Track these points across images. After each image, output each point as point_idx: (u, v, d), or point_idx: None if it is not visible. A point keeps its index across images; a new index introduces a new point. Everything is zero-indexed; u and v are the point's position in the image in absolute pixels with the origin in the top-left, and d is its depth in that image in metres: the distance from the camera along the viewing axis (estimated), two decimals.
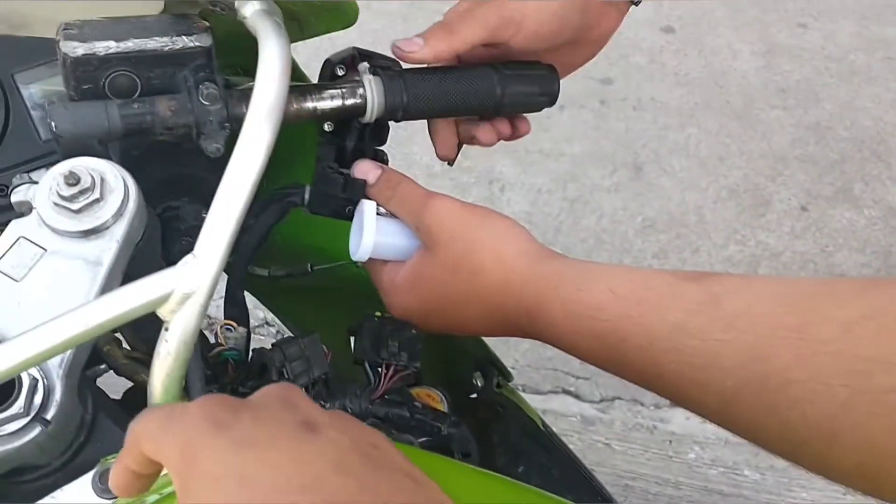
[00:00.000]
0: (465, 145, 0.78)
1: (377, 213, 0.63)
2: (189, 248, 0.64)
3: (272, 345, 0.69)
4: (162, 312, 0.46)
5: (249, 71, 0.69)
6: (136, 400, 0.64)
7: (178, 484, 0.34)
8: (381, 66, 0.64)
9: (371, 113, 0.63)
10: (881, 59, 2.38)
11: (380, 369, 0.70)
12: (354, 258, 0.64)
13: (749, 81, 2.31)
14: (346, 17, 0.57)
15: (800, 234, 1.95)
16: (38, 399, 0.49)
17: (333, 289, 0.84)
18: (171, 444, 0.35)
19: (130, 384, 0.66)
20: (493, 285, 0.58)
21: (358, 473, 0.33)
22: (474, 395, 0.82)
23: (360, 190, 0.67)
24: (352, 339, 0.94)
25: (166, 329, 0.46)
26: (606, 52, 2.28)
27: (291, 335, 0.71)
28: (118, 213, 0.54)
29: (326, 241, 0.75)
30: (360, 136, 0.67)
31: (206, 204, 0.66)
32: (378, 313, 0.74)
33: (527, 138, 2.30)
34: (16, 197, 0.56)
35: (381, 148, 0.70)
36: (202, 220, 0.66)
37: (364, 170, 0.64)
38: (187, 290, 0.46)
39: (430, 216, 0.60)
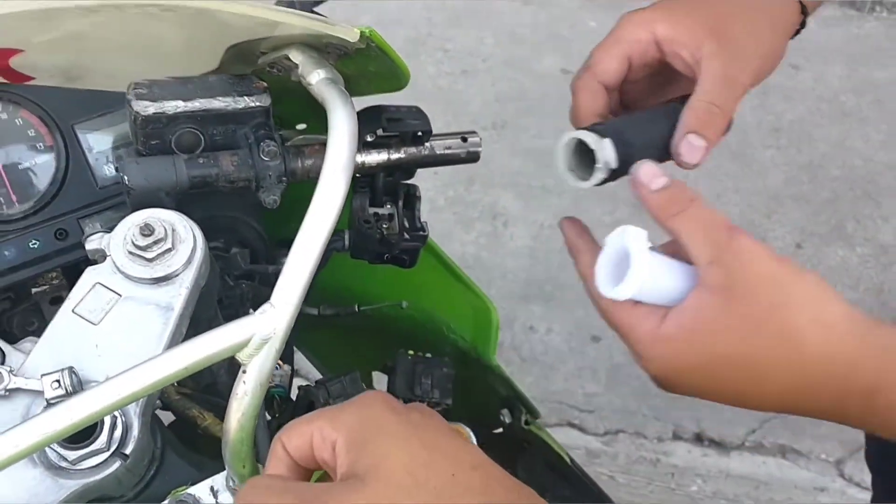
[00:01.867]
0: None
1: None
2: (247, 292, 0.69)
3: (316, 382, 0.73)
4: (241, 356, 0.50)
5: (290, 120, 0.74)
6: (184, 433, 0.68)
7: (354, 444, 0.42)
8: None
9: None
10: (871, 101, 2.45)
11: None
12: (608, 296, 0.52)
13: (744, 121, 2.38)
14: (398, 82, 0.62)
15: None
16: (117, 435, 0.53)
17: (367, 328, 0.88)
18: (350, 414, 0.43)
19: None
20: (813, 355, 0.47)
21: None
22: (499, 430, 0.86)
23: (396, 245, 0.70)
24: (373, 373, 0.98)
25: (244, 371, 0.50)
26: None
27: (332, 375, 0.75)
28: (188, 262, 0.58)
29: (368, 283, 0.79)
30: (389, 171, 0.71)
31: (243, 244, 0.71)
32: (411, 352, 0.79)
33: (528, 173, 2.37)
34: (90, 245, 0.60)
35: (410, 182, 0.74)
36: (250, 265, 0.71)
37: (648, 173, 0.53)
38: (265, 336, 0.50)
39: (734, 253, 0.49)
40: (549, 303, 1.96)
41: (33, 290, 0.72)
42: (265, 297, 0.55)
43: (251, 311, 0.55)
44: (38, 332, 0.71)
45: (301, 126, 0.76)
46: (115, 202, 0.71)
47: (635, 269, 0.50)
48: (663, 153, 0.62)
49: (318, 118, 0.62)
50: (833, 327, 0.48)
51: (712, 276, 0.49)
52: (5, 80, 0.69)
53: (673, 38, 0.61)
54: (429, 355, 0.78)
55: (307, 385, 0.71)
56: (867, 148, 2.33)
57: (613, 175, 0.59)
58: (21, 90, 0.70)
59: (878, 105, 2.45)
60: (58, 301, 0.72)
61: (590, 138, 0.58)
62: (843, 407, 0.48)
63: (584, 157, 0.60)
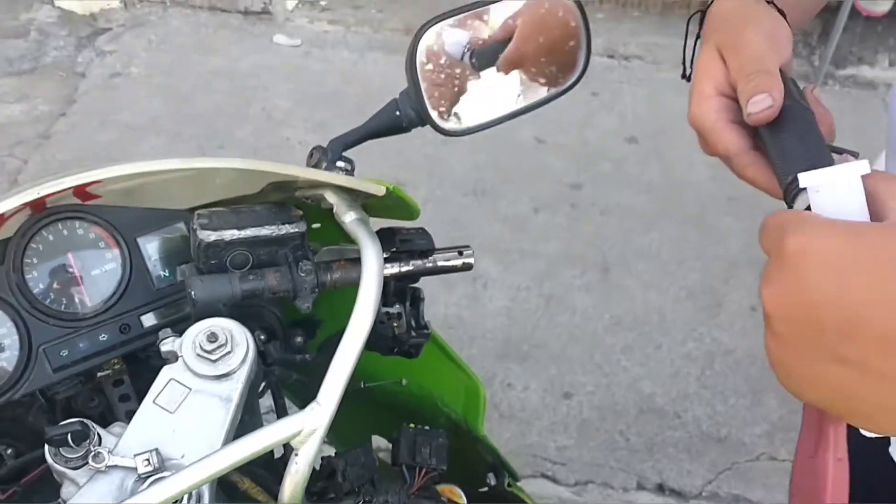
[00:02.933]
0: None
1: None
2: (285, 378, 0.83)
3: (336, 454, 0.88)
4: (294, 443, 0.65)
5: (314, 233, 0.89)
6: (228, 495, 0.82)
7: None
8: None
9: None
10: None
11: (415, 470, 0.89)
12: (805, 182, 0.51)
13: (703, 190, 2.58)
14: (411, 216, 0.78)
15: (750, 332, 2.18)
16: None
17: (371, 401, 1.03)
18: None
19: None
20: None
21: None
22: (485, 490, 1.01)
23: (405, 341, 0.86)
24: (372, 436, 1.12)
25: (296, 454, 0.65)
26: (575, 160, 2.58)
27: (349, 447, 0.89)
28: (243, 361, 0.73)
29: (373, 362, 0.93)
30: (399, 279, 0.86)
31: (265, 327, 0.85)
32: (412, 425, 0.94)
33: (506, 238, 2.57)
34: (164, 347, 0.74)
35: (415, 286, 0.89)
36: (282, 355, 0.86)
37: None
38: (312, 428, 0.65)
39: None
40: (526, 361, 2.12)
41: (98, 374, 0.86)
42: (289, 377, 0.69)
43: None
44: (97, 409, 0.86)
45: (316, 225, 0.90)
46: (169, 300, 0.85)
47: (852, 166, 0.50)
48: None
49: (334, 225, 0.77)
50: None
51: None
52: (78, 201, 0.84)
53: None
54: (427, 427, 0.93)
55: (329, 456, 0.86)
56: None
57: None
58: (93, 209, 0.84)
59: None
60: (119, 384, 0.86)
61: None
62: None
63: None
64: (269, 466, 0.87)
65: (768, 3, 0.68)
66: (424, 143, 2.71)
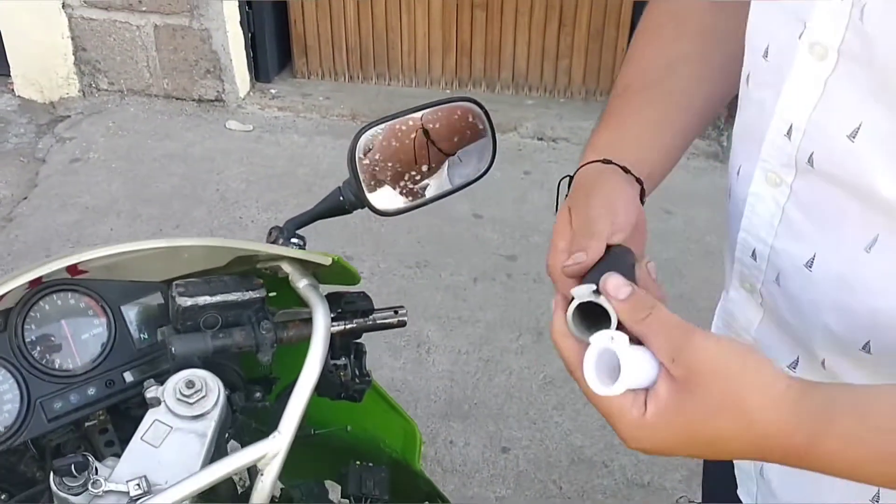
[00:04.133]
0: None
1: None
2: (246, 426, 0.99)
3: (292, 486, 1.03)
4: (259, 465, 0.81)
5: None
6: None
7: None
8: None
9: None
10: None
11: (361, 501, 1.05)
12: (603, 394, 0.60)
13: None
14: (353, 281, 0.95)
15: None
16: None
17: (318, 444, 1.17)
18: None
19: None
20: (759, 422, 0.56)
21: None
22: None
23: (350, 387, 1.02)
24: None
25: (261, 475, 0.81)
26: (510, 233, 2.80)
27: (301, 481, 1.04)
28: (215, 404, 0.88)
29: (321, 409, 1.07)
30: (343, 335, 1.02)
31: (227, 383, 1.00)
32: (359, 462, 1.09)
33: (448, 306, 2.75)
34: (149, 394, 0.87)
35: (358, 341, 1.05)
36: (244, 403, 1.01)
37: (615, 285, 0.62)
38: (275, 451, 0.80)
39: (692, 352, 0.58)
40: (467, 420, 2.27)
41: (86, 424, 0.99)
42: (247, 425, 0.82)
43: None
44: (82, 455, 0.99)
45: (272, 293, 1.06)
46: (147, 359, 0.96)
47: (626, 372, 0.58)
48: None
49: (288, 292, 0.92)
50: (772, 396, 0.56)
51: (675, 370, 0.58)
52: (69, 275, 0.98)
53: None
54: (371, 464, 1.08)
55: (283, 487, 1.01)
56: None
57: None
58: (83, 283, 0.97)
59: None
60: (104, 431, 0.98)
61: (594, 298, 0.63)
62: (788, 459, 0.57)
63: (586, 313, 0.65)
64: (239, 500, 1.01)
65: (623, 169, 0.79)
66: (368, 217, 2.88)
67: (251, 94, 3.75)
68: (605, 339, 0.59)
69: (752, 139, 0.76)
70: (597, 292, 0.63)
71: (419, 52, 3.76)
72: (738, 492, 0.94)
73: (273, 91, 3.77)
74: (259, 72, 3.79)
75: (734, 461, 0.93)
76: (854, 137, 0.64)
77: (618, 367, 0.58)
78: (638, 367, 0.59)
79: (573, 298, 0.64)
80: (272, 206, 3.07)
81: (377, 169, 0.98)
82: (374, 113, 3.59)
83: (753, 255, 0.79)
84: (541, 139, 3.36)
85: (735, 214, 0.81)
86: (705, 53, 0.89)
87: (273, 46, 3.78)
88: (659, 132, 0.87)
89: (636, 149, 0.83)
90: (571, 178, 0.82)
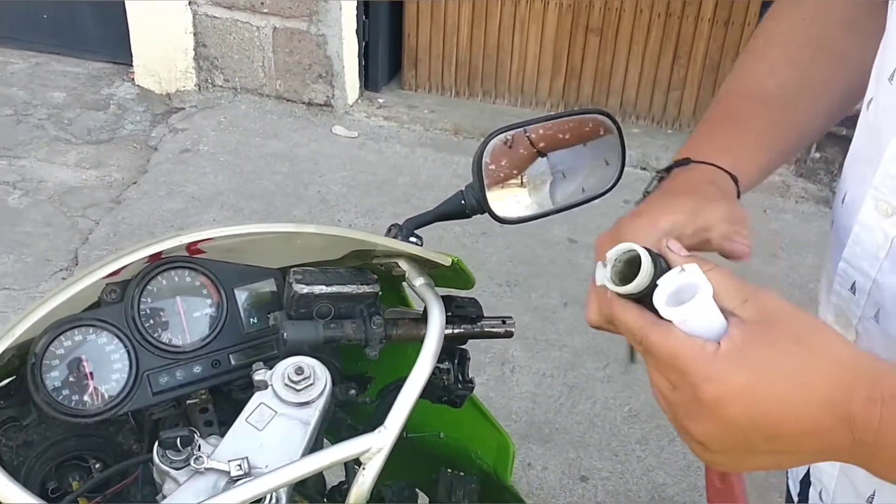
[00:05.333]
0: None
1: None
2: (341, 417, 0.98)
3: (384, 484, 1.02)
4: (362, 458, 0.80)
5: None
6: None
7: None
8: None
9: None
10: None
11: None
12: (668, 315, 0.57)
13: None
14: (467, 285, 0.94)
15: None
16: None
17: (410, 449, 1.16)
18: None
19: None
20: (843, 362, 0.54)
21: None
22: None
23: (452, 391, 1.00)
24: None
25: (363, 469, 0.80)
26: None
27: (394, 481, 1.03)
28: (321, 393, 0.88)
29: (420, 416, 1.07)
30: (450, 339, 1.00)
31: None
32: (450, 469, 1.07)
33: (535, 327, 2.72)
34: (257, 377, 0.88)
35: (463, 346, 1.04)
36: (347, 396, 1.00)
37: (678, 245, 0.63)
38: (379, 446, 0.80)
39: (764, 296, 0.57)
40: (546, 444, 2.24)
41: (187, 402, 1.00)
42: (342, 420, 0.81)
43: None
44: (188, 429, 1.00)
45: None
46: (253, 343, 0.97)
47: (704, 288, 0.56)
48: None
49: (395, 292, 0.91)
50: (854, 349, 0.55)
51: (747, 311, 0.56)
52: (187, 254, 1.00)
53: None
54: (461, 473, 1.07)
55: (379, 486, 1.00)
56: None
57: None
58: (200, 262, 0.98)
59: None
60: (205, 411, 0.99)
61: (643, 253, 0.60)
62: (869, 413, 0.53)
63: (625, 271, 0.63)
64: (326, 496, 1.01)
65: (719, 168, 0.79)
66: (463, 234, 2.89)
67: (359, 101, 3.81)
68: (675, 274, 0.57)
69: (865, 165, 0.73)
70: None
71: (528, 72, 3.76)
72: None
73: (380, 100, 3.82)
74: (368, 80, 3.85)
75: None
76: None
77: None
78: (709, 306, 0.56)
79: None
80: (370, 212, 3.10)
81: (502, 175, 0.97)
82: (476, 129, 3.60)
83: (853, 287, 0.75)
84: (644, 168, 3.32)
85: (836, 244, 0.78)
86: (824, 74, 0.86)
87: (385, 57, 3.84)
88: (769, 143, 0.85)
89: (743, 155, 0.82)
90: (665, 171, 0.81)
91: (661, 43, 3.52)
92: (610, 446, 2.23)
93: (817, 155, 3.29)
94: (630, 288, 0.59)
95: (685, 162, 0.82)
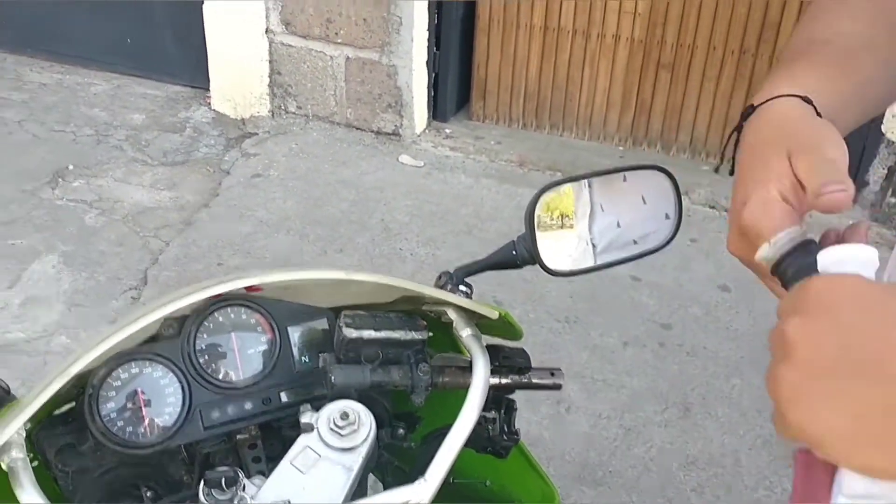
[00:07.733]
0: None
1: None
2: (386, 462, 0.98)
3: None
4: None
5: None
6: None
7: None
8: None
9: None
10: None
11: None
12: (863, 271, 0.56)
13: None
14: (514, 335, 0.94)
15: None
16: None
17: (455, 495, 1.16)
18: None
19: None
20: None
21: None
22: None
23: (497, 442, 1.00)
24: None
25: None
26: (668, 300, 2.70)
27: None
28: (365, 439, 0.89)
29: (466, 462, 1.07)
30: (497, 389, 1.00)
31: (376, 415, 1.00)
32: None
33: (593, 367, 2.69)
34: (304, 419, 0.90)
35: (510, 396, 1.04)
36: (393, 439, 1.01)
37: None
38: (419, 499, 0.80)
39: None
40: (600, 487, 2.20)
41: (237, 437, 1.02)
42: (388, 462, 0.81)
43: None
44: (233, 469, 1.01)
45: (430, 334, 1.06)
46: (304, 382, 0.98)
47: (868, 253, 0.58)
48: None
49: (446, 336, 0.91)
50: None
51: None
52: (244, 291, 1.02)
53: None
54: None
55: None
56: None
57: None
58: (257, 299, 1.01)
59: None
60: (254, 447, 1.01)
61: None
62: None
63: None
64: None
65: (788, 97, 0.72)
66: (524, 269, 2.88)
67: (427, 131, 3.85)
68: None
69: None
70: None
71: (596, 105, 3.74)
72: None
73: (447, 131, 3.85)
74: (437, 111, 3.89)
75: None
76: None
77: None
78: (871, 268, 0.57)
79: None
80: (431, 241, 3.12)
81: (554, 228, 0.97)
82: (542, 161, 3.60)
83: None
84: (713, 207, 3.26)
85: None
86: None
87: (454, 88, 3.88)
88: (843, 72, 0.78)
89: (813, 81, 0.75)
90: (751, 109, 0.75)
91: (734, 81, 3.47)
92: (664, 493, 2.18)
93: (893, 200, 3.19)
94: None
95: (750, 111, 0.76)
